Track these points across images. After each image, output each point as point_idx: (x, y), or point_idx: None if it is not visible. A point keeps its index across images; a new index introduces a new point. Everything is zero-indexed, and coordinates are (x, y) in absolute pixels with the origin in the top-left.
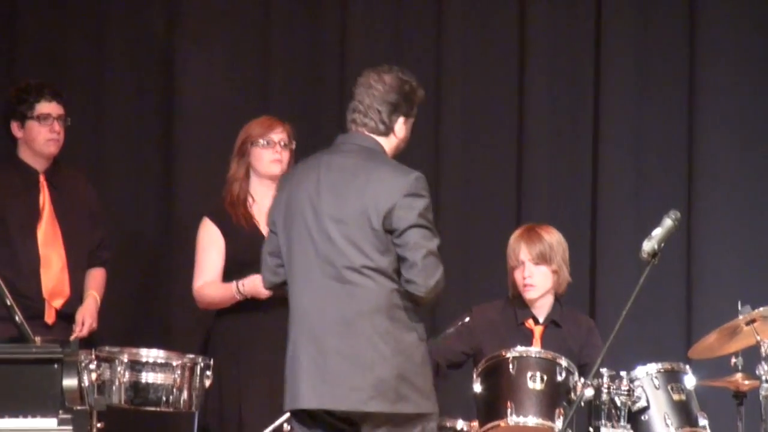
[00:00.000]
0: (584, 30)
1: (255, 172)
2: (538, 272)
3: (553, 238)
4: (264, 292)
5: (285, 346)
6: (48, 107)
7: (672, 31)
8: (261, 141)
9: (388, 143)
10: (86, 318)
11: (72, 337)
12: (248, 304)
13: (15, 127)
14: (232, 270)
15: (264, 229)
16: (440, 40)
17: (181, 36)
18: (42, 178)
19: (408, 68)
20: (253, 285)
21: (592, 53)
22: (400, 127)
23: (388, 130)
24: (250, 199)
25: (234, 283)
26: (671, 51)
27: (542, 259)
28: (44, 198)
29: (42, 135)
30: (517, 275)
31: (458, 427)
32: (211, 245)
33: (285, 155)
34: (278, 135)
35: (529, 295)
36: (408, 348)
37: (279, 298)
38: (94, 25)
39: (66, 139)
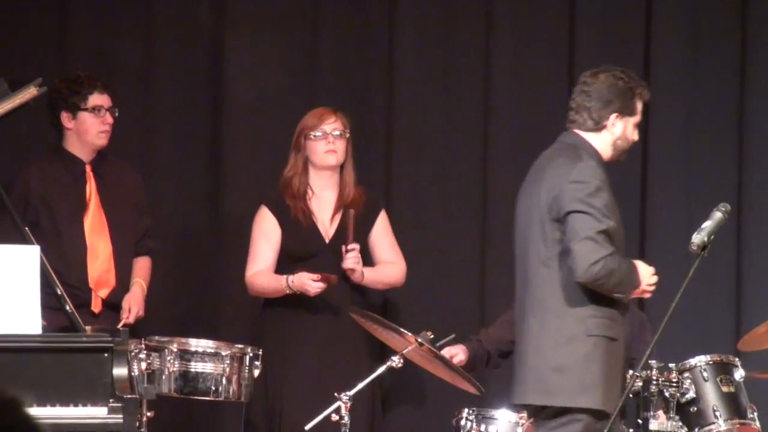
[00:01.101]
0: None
1: (312, 165)
2: None
3: None
4: (311, 290)
5: (328, 343)
6: (100, 99)
7: (724, 18)
8: (314, 133)
9: (600, 140)
10: (132, 305)
11: (120, 325)
12: (296, 298)
13: (65, 118)
14: (286, 263)
15: (322, 225)
16: (490, 30)
17: (229, 27)
18: (88, 169)
19: (456, 56)
20: (301, 282)
21: (642, 40)
22: (613, 122)
23: (598, 127)
24: (309, 192)
25: (285, 277)
26: (723, 36)
27: None
28: (91, 189)
29: (95, 127)
30: None
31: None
32: (266, 235)
33: (339, 145)
34: (331, 125)
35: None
36: (571, 340)
37: (326, 297)
38: (143, 18)
39: (114, 130)
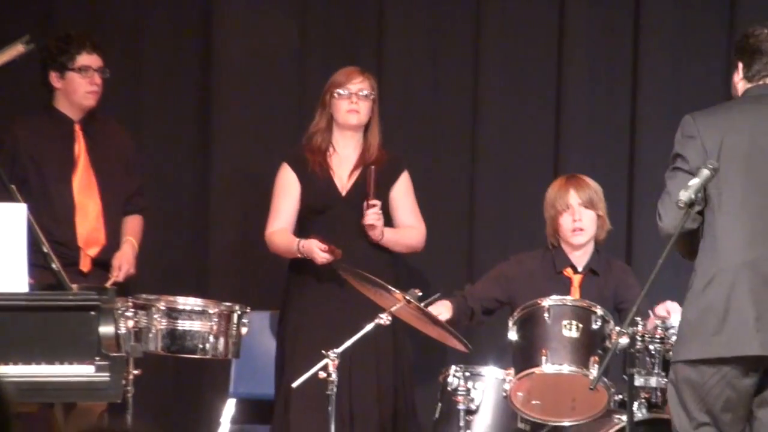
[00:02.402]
0: None
1: (335, 123)
2: (587, 216)
3: (595, 184)
4: (319, 258)
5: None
6: (89, 59)
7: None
8: (339, 91)
9: None
10: (123, 263)
11: (109, 282)
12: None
13: (54, 78)
14: (304, 215)
15: (339, 179)
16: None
17: None
18: (77, 128)
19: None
20: (310, 248)
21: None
22: None
23: None
24: (331, 149)
25: (297, 240)
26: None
27: (590, 203)
28: (80, 147)
29: (82, 87)
30: (565, 220)
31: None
32: (286, 191)
33: (363, 105)
34: (357, 85)
35: (577, 239)
36: None
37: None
38: None
39: (105, 89)
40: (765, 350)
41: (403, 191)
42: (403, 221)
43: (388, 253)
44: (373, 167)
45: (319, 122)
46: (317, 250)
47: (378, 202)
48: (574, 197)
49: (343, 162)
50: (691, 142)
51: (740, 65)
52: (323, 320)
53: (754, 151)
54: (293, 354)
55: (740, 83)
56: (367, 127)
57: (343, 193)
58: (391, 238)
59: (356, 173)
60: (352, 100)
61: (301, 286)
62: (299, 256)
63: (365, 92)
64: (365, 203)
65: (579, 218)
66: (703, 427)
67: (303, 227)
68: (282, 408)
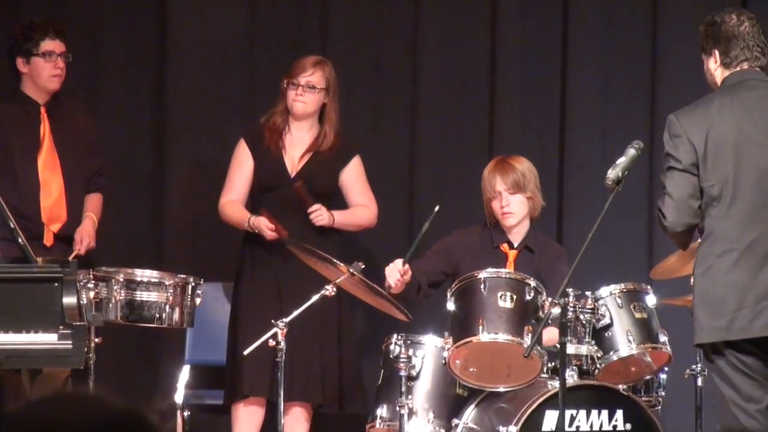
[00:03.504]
0: None
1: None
2: (514, 200)
3: (524, 166)
4: (267, 235)
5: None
6: (52, 45)
7: None
8: (290, 81)
9: None
10: (84, 237)
11: (72, 256)
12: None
13: (20, 63)
14: (255, 191)
15: (290, 160)
16: None
17: None
18: (43, 111)
19: (386, 14)
20: (259, 225)
21: None
22: None
23: None
24: (287, 128)
25: (248, 216)
26: None
27: (517, 187)
28: (45, 129)
29: (46, 71)
30: (495, 205)
31: (434, 344)
32: (240, 166)
33: (310, 97)
34: (305, 78)
35: (508, 222)
36: None
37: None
38: None
39: (67, 73)
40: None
41: (353, 175)
42: (354, 201)
43: (336, 233)
44: (298, 183)
45: (279, 104)
46: (265, 228)
47: (317, 207)
48: (500, 183)
49: (296, 144)
50: (679, 141)
51: (716, 52)
52: (272, 291)
53: (741, 140)
54: (245, 322)
55: (717, 71)
56: (322, 115)
57: (292, 175)
58: (341, 220)
59: (307, 156)
60: (298, 92)
61: (253, 258)
62: (248, 229)
63: (312, 84)
64: (308, 211)
65: (507, 203)
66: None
67: (255, 202)
68: (233, 373)
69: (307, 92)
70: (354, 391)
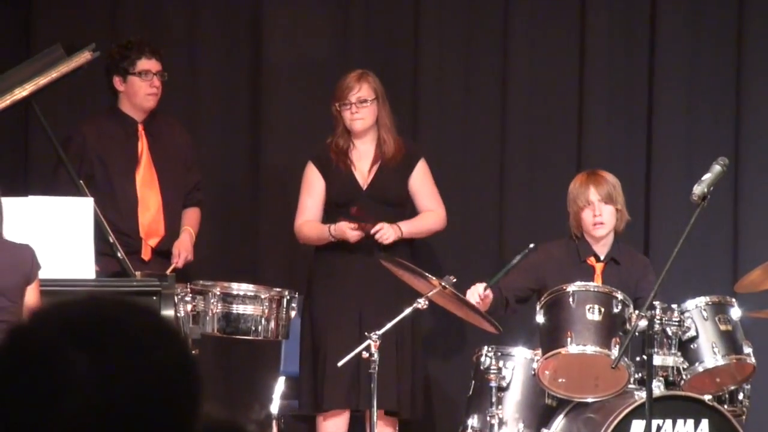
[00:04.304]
0: None
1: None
2: (606, 211)
3: (614, 179)
4: (351, 237)
5: (374, 280)
6: (148, 64)
7: None
8: (341, 103)
9: None
10: (182, 250)
11: (170, 269)
12: (341, 246)
13: (117, 81)
14: (329, 209)
15: (360, 174)
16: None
17: None
18: (141, 128)
19: (476, 20)
20: (341, 230)
21: (648, 9)
22: None
23: None
24: (351, 146)
25: (327, 226)
26: (722, 5)
27: (609, 198)
28: (142, 146)
29: (143, 90)
30: (586, 215)
31: (524, 356)
32: (311, 188)
33: (364, 111)
34: (355, 95)
35: (598, 232)
36: None
37: (367, 245)
38: None
39: (163, 91)
40: None
41: (420, 179)
42: (423, 206)
43: (407, 244)
44: (353, 209)
45: (338, 128)
46: (348, 230)
47: (379, 227)
48: (594, 194)
49: (363, 157)
50: None
51: None
52: (349, 301)
53: None
54: (323, 333)
55: None
56: (378, 124)
57: (364, 187)
58: (409, 230)
59: (375, 167)
60: (353, 110)
61: (328, 271)
62: (332, 240)
63: (363, 98)
64: (370, 231)
65: (599, 213)
66: None
67: (329, 221)
68: (313, 384)
69: (361, 108)
70: (419, 398)
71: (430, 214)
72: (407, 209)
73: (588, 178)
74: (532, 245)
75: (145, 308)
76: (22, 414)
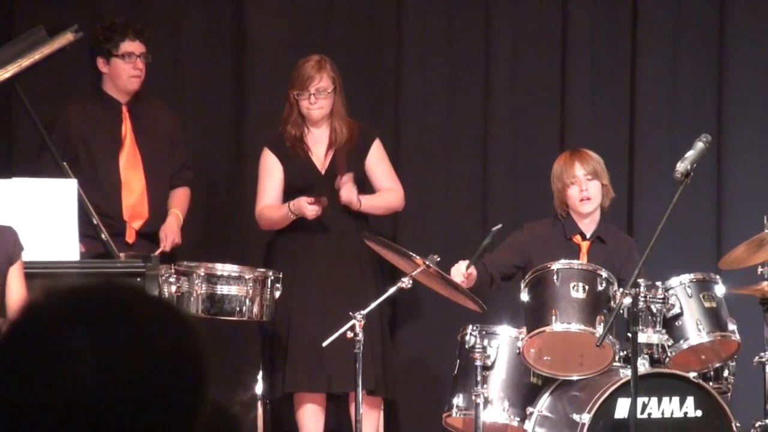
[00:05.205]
0: None
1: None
2: (592, 186)
3: (598, 157)
4: (308, 212)
5: (334, 265)
6: (132, 46)
7: None
8: (299, 92)
9: None
10: (168, 234)
11: (157, 252)
12: (302, 226)
13: (101, 63)
14: (289, 194)
15: (317, 158)
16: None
17: None
18: (125, 109)
19: (458, 19)
20: (299, 205)
21: None
22: None
23: None
24: (305, 130)
25: (286, 204)
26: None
27: (595, 174)
28: (126, 127)
29: (126, 72)
30: (572, 192)
31: (508, 334)
32: (270, 173)
33: (323, 102)
34: (314, 85)
35: (585, 208)
36: None
37: (330, 223)
38: None
39: (147, 72)
40: None
41: (376, 159)
42: (381, 185)
43: (363, 219)
44: (338, 150)
45: (290, 115)
46: (305, 204)
47: (347, 178)
48: (579, 169)
49: (318, 141)
50: None
51: None
52: (316, 284)
53: None
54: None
55: None
56: (333, 112)
57: (323, 172)
58: (368, 203)
59: (332, 152)
60: (311, 101)
61: (290, 252)
62: (291, 218)
63: (323, 89)
64: (337, 181)
65: (585, 188)
66: None
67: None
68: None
69: (320, 98)
70: (392, 378)
71: (388, 191)
72: (365, 191)
73: (573, 155)
74: (499, 226)
75: (159, 298)
76: (20, 386)
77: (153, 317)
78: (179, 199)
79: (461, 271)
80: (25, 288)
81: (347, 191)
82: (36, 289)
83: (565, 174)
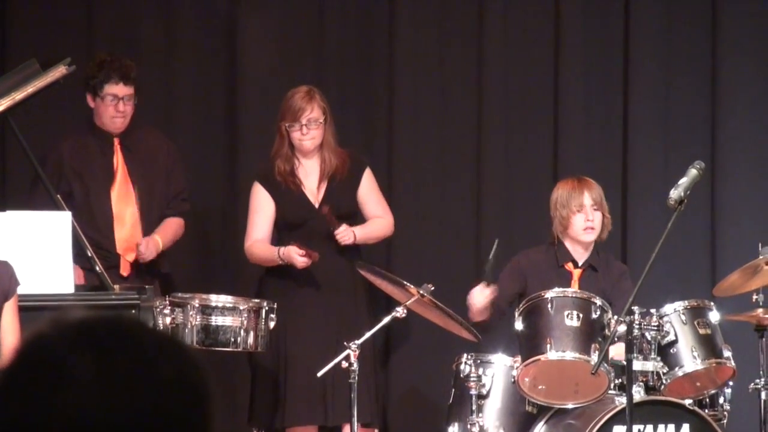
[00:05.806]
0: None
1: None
2: (597, 216)
3: (599, 187)
4: (298, 263)
5: (328, 296)
6: (115, 89)
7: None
8: (291, 124)
9: None
10: (143, 243)
11: (131, 258)
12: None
13: (89, 98)
14: (282, 229)
15: (310, 193)
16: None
17: (242, 8)
18: (116, 142)
19: (451, 29)
20: (289, 254)
21: (622, 15)
22: None
23: None
24: (296, 163)
25: (276, 248)
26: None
27: (600, 204)
28: (118, 160)
29: (108, 113)
30: (577, 219)
31: (503, 363)
32: (260, 208)
33: (315, 132)
34: (306, 116)
35: (588, 237)
36: None
37: (321, 249)
38: (164, 1)
39: (140, 102)
40: None
41: (367, 189)
42: (371, 214)
43: (355, 249)
44: (325, 207)
45: (280, 148)
46: (296, 256)
47: (342, 228)
48: (588, 198)
49: (310, 173)
50: None
51: None
52: (309, 317)
53: None
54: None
55: None
56: (323, 143)
57: (316, 205)
58: (362, 235)
59: (324, 183)
60: (303, 132)
61: (281, 289)
62: (280, 262)
63: (314, 119)
64: (334, 232)
65: (591, 218)
66: None
67: (281, 240)
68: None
69: (312, 129)
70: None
71: (378, 220)
72: (357, 220)
73: (580, 183)
74: (496, 240)
75: (164, 332)
76: (25, 411)
77: (156, 346)
78: (166, 226)
79: (485, 293)
80: (18, 323)
81: (347, 238)
82: (31, 321)
83: (573, 201)
